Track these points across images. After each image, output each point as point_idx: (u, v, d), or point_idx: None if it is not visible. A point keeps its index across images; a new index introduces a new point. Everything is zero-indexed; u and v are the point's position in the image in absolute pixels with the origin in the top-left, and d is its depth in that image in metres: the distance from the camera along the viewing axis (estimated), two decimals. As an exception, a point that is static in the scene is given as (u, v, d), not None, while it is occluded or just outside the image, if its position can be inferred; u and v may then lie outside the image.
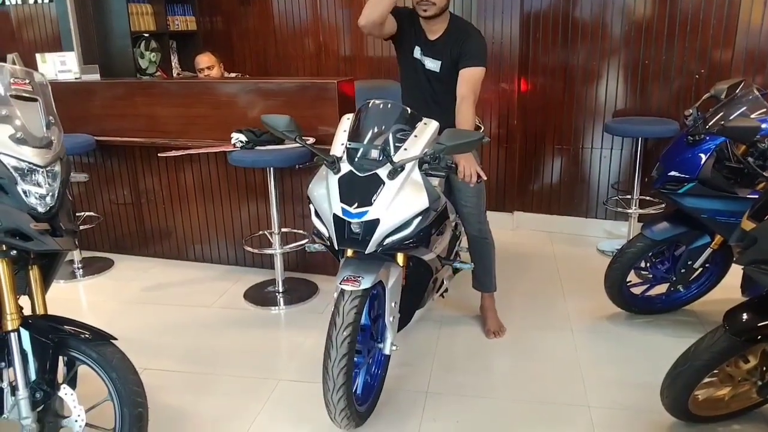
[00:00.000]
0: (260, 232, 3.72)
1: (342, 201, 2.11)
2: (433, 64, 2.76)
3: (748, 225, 1.89)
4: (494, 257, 3.03)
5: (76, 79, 4.07)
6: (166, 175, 3.98)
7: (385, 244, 2.11)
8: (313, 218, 2.25)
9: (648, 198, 4.03)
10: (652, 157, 4.04)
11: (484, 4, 4.21)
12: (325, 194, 2.19)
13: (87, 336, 1.96)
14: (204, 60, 4.43)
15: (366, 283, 2.11)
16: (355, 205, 2.09)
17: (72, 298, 3.67)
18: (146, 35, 4.68)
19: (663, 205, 3.92)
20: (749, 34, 3.69)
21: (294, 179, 3.62)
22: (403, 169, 2.14)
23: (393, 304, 2.29)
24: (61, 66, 4.05)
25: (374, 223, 2.08)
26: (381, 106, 2.37)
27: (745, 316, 1.96)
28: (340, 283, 2.12)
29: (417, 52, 2.80)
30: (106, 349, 1.97)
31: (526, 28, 4.21)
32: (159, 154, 3.56)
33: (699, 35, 3.81)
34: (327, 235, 2.18)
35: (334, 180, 2.17)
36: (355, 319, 2.10)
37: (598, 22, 4.05)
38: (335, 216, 2.12)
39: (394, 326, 2.33)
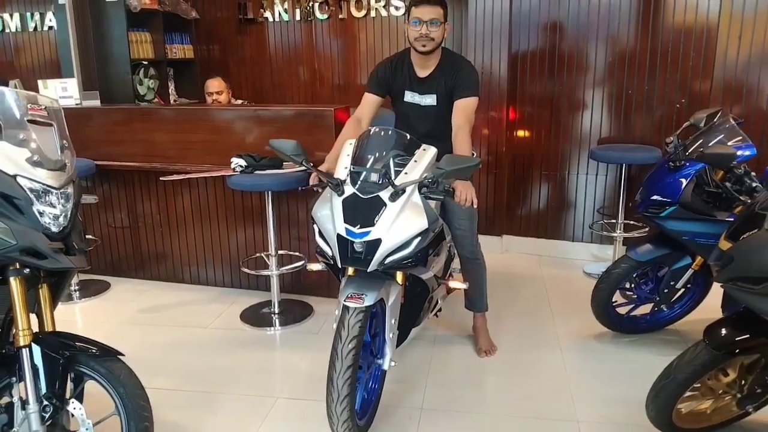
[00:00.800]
0: (257, 255, 3.80)
1: (346, 221, 2.22)
2: (430, 99, 2.89)
3: (725, 245, 2.02)
4: (486, 278, 3.14)
5: (76, 104, 4.17)
6: (163, 199, 4.06)
7: (386, 263, 2.21)
8: (317, 238, 2.35)
9: (632, 222, 4.18)
10: (635, 182, 4.20)
11: (474, 36, 4.38)
12: (329, 215, 2.29)
13: (95, 352, 2.02)
14: (214, 85, 4.52)
15: (369, 300, 2.21)
16: (358, 225, 2.19)
17: (69, 319, 3.71)
18: (145, 63, 4.80)
19: (646, 229, 4.07)
20: (726, 66, 3.89)
21: (290, 203, 3.72)
22: (403, 192, 2.25)
23: (393, 321, 2.38)
24: (62, 92, 4.14)
25: (376, 243, 2.18)
26: (382, 133, 2.49)
27: (723, 331, 2.07)
28: (345, 300, 2.21)
29: (408, 96, 2.92)
30: (114, 364, 2.03)
31: (514, 60, 4.39)
32: (161, 178, 3.65)
33: (679, 67, 4.01)
34: (330, 254, 2.27)
35: (338, 201, 2.27)
36: (359, 332, 2.18)
37: (583, 54, 4.24)
38: (339, 236, 2.22)
39: (394, 342, 2.41)
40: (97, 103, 4.23)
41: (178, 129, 3.86)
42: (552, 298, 3.82)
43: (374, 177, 2.29)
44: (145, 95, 4.81)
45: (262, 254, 3.70)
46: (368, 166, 2.34)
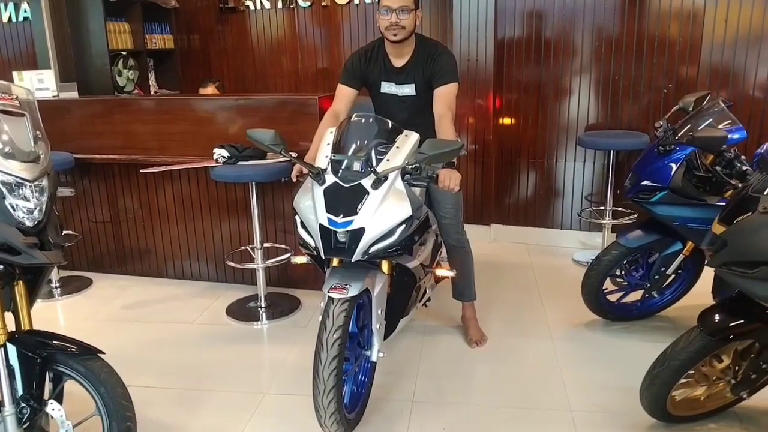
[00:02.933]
0: (242, 248, 3.73)
1: (328, 211, 2.16)
2: (408, 89, 2.82)
3: (718, 229, 1.98)
4: (473, 266, 3.10)
5: (53, 97, 4.06)
6: (145, 193, 3.97)
7: (370, 252, 2.15)
8: (299, 229, 2.29)
9: (620, 209, 4.15)
10: (623, 168, 4.18)
11: (459, 22, 4.32)
12: (311, 205, 2.23)
13: (74, 350, 1.96)
14: (207, 92, 4.46)
15: (353, 290, 2.15)
16: (341, 215, 2.14)
17: (50, 317, 3.62)
18: (124, 53, 4.70)
19: (635, 215, 4.04)
20: (713, 50, 3.86)
21: (275, 194, 3.65)
22: (386, 179, 2.19)
23: (379, 312, 2.33)
24: (38, 84, 4.04)
25: (360, 232, 2.12)
26: (363, 120, 2.43)
27: (717, 317, 2.04)
28: (328, 292, 2.16)
29: (384, 87, 2.86)
30: (94, 363, 1.97)
31: (501, 46, 4.33)
32: (141, 170, 3.56)
33: (666, 51, 3.97)
34: (313, 245, 2.21)
35: (319, 191, 2.21)
36: (344, 321, 2.13)
37: (570, 40, 4.19)
38: (321, 226, 2.16)
39: (381, 333, 2.36)
40: (74, 94, 4.13)
41: (159, 120, 3.77)
42: (541, 286, 3.79)
43: (356, 165, 2.23)
44: (124, 87, 4.70)
45: (248, 247, 3.62)
46: (349, 154, 2.28)
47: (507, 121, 4.47)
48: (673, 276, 3.05)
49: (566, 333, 3.18)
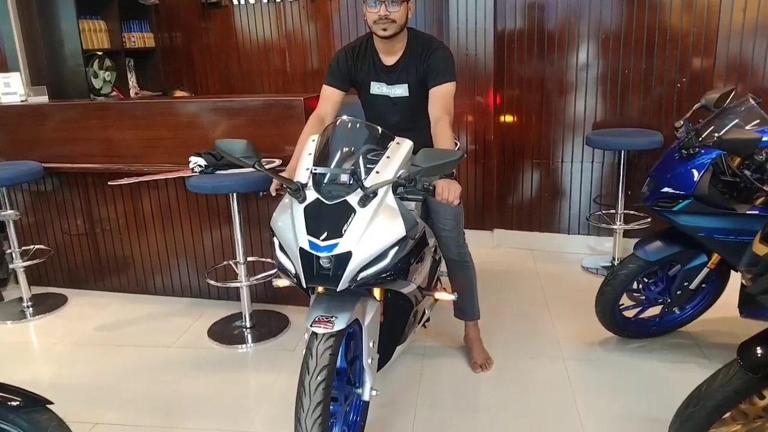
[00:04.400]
0: (225, 263, 3.45)
1: (309, 233, 1.88)
2: (400, 90, 2.55)
3: (761, 249, 1.70)
4: (476, 282, 2.82)
5: (22, 101, 3.78)
6: (122, 203, 3.69)
7: (359, 279, 1.88)
8: (278, 252, 2.01)
9: (633, 212, 3.87)
10: (635, 169, 3.90)
11: (456, 15, 4.03)
12: (289, 225, 1.95)
13: (17, 403, 1.68)
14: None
15: (340, 323, 1.88)
16: (324, 236, 1.86)
17: (21, 341, 3.36)
18: (100, 53, 4.40)
19: (648, 219, 3.76)
20: (730, 41, 3.57)
21: (260, 203, 3.37)
22: (375, 194, 1.92)
23: (371, 344, 2.06)
24: (5, 88, 3.75)
25: (346, 257, 1.85)
26: (349, 125, 2.16)
27: (760, 350, 1.76)
28: (311, 325, 1.89)
29: (375, 88, 2.58)
30: (41, 416, 1.70)
31: (501, 40, 4.05)
32: (109, 183, 3.28)
33: (679, 43, 3.68)
34: (293, 271, 1.94)
35: (299, 209, 1.94)
36: (330, 361, 1.86)
37: (575, 32, 3.90)
38: (302, 250, 1.88)
39: (374, 368, 2.09)
40: (44, 99, 3.85)
41: (134, 125, 3.49)
42: (549, 297, 3.51)
43: (343, 178, 1.96)
44: (101, 89, 4.42)
45: (231, 262, 3.35)
46: (334, 165, 2.01)
47: (509, 119, 4.18)
48: (696, 290, 2.77)
49: (579, 353, 2.90)
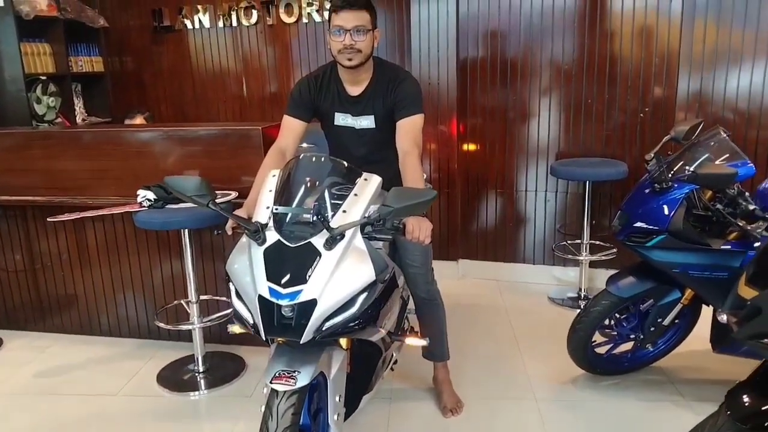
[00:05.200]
0: (176, 302, 3.23)
1: (269, 279, 1.72)
2: (366, 122, 2.43)
3: (747, 292, 1.63)
4: (445, 321, 2.69)
5: (-46, 129, 3.52)
6: (64, 237, 3.44)
7: (324, 329, 1.72)
8: (234, 300, 1.84)
9: (598, 242, 3.83)
10: (598, 198, 3.86)
11: (419, 43, 3.97)
12: (247, 270, 1.79)
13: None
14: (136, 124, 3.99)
15: (303, 379, 1.72)
16: (286, 282, 1.70)
17: (-54, 390, 3.05)
18: (43, 78, 4.16)
19: (614, 250, 3.72)
20: (691, 72, 3.59)
21: (214, 237, 3.18)
22: (342, 236, 1.77)
23: (337, 398, 1.89)
24: (-65, 114, 3.48)
25: (310, 305, 1.69)
26: (314, 159, 2.03)
27: (747, 399, 1.67)
28: (271, 381, 1.71)
29: (339, 119, 2.45)
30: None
31: (463, 68, 3.99)
32: (48, 219, 3.05)
33: (641, 73, 3.68)
34: (251, 321, 1.77)
35: (258, 252, 1.78)
36: (292, 421, 1.70)
37: (537, 61, 3.87)
38: (261, 298, 1.72)
39: (340, 424, 1.93)
40: (-21, 126, 3.59)
41: (80, 155, 3.28)
42: (518, 332, 3.41)
43: (307, 218, 1.81)
44: (44, 115, 4.16)
45: (182, 301, 3.13)
46: (296, 203, 1.86)
47: (472, 148, 4.11)
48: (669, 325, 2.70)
49: (551, 393, 2.79)
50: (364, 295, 1.77)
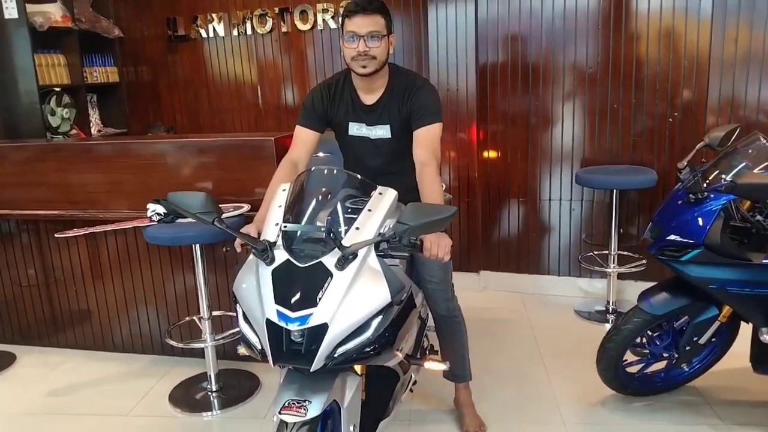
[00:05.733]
0: (188, 318, 3.14)
1: (277, 301, 1.62)
2: (382, 131, 2.31)
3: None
4: (467, 340, 2.56)
5: (-33, 142, 3.49)
6: (77, 251, 3.38)
7: (336, 356, 1.61)
8: (241, 323, 1.74)
9: (627, 252, 3.67)
10: (626, 207, 3.71)
11: (437, 48, 3.85)
12: (255, 291, 1.69)
13: None
14: None
15: (314, 409, 1.61)
16: (295, 306, 1.60)
17: (-43, 409, 3.00)
18: (58, 89, 4.12)
19: (644, 261, 3.55)
20: (723, 73, 3.42)
21: (224, 252, 3.09)
22: (355, 256, 1.66)
23: (351, 428, 1.78)
24: (-52, 128, 3.45)
25: (321, 330, 1.58)
26: (326, 173, 1.93)
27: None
28: (280, 412, 1.61)
29: (353, 129, 2.34)
30: None
31: (483, 73, 3.86)
32: (56, 235, 2.98)
33: (670, 76, 3.53)
34: (259, 346, 1.66)
35: (266, 273, 1.68)
36: None
37: (560, 65, 3.73)
38: (269, 322, 1.61)
39: (354, 455, 1.81)
40: (-8, 140, 3.55)
41: (91, 168, 3.22)
42: (544, 349, 3.26)
43: (318, 236, 1.70)
44: (58, 127, 4.12)
45: (195, 317, 3.04)
46: (306, 220, 1.76)
47: (493, 155, 3.98)
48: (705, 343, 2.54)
49: (580, 415, 2.64)
50: (379, 318, 1.65)
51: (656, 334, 2.59)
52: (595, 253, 3.76)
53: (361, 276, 1.67)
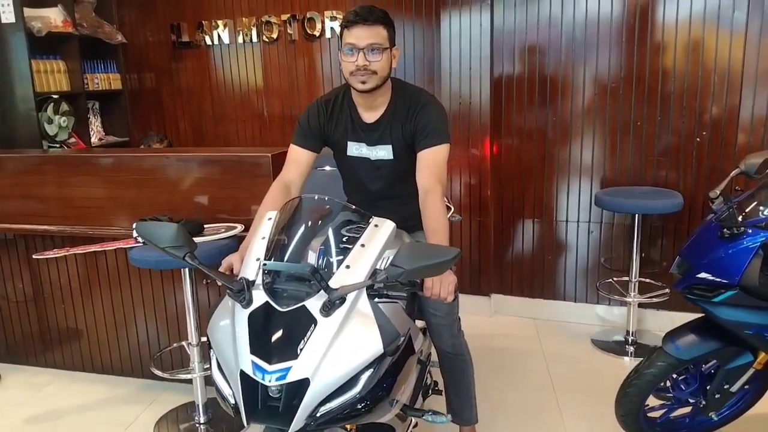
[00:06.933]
0: (175, 344, 2.96)
1: (253, 351, 1.42)
2: (383, 152, 2.12)
3: None
4: (473, 378, 2.35)
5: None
6: (65, 267, 3.22)
7: (319, 415, 1.41)
8: (214, 372, 1.54)
9: (649, 280, 3.43)
10: (648, 230, 3.47)
11: (449, 60, 3.65)
12: (229, 337, 1.49)
13: None
14: None
15: (293, 477, 1.40)
16: (273, 358, 1.40)
17: (-67, 434, 2.85)
18: (55, 97, 3.98)
19: (667, 291, 3.32)
20: (757, 88, 3.18)
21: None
22: (343, 300, 1.46)
23: (338, 493, 1.58)
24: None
25: (302, 385, 1.38)
26: (315, 202, 1.73)
27: None
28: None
29: (353, 149, 2.15)
30: None
31: (498, 86, 3.65)
32: (34, 256, 2.82)
33: (698, 92, 3.29)
34: (232, 401, 1.46)
35: (242, 316, 1.48)
36: None
37: (580, 78, 3.51)
38: (243, 374, 1.42)
39: None
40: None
41: (81, 182, 3.07)
42: (557, 382, 3.04)
43: (303, 274, 1.51)
44: (56, 135, 3.97)
45: (184, 343, 2.86)
46: (289, 255, 1.57)
47: (507, 172, 3.76)
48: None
49: (596, 463, 2.42)
50: (369, 372, 1.45)
51: (682, 377, 2.35)
52: (615, 279, 3.53)
53: (349, 322, 1.47)
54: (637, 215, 3.25)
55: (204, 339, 2.82)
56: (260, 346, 1.42)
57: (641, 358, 2.35)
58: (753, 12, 3.12)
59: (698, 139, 3.33)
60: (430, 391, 2.37)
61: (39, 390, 3.18)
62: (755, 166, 2.19)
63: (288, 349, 1.40)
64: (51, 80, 4.03)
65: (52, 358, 3.38)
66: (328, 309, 1.44)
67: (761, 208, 2.02)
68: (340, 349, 1.42)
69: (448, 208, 2.39)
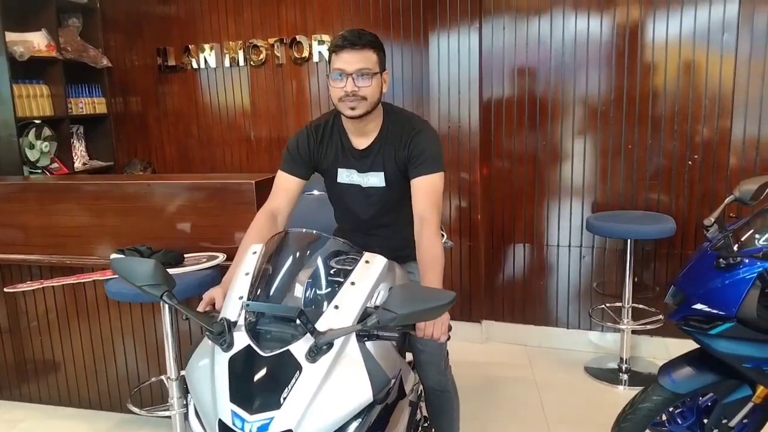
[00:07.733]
0: (154, 379, 2.86)
1: (233, 399, 1.33)
2: (375, 179, 2.05)
3: None
4: (458, 414, 2.28)
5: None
6: (42, 297, 3.12)
7: (302, 468, 1.33)
8: (191, 418, 1.46)
9: (642, 306, 3.38)
10: (640, 254, 3.42)
11: (438, 82, 3.61)
12: (208, 382, 1.41)
13: None
14: None
15: None
16: (254, 407, 1.31)
17: None
18: (38, 122, 3.90)
19: (660, 317, 3.26)
20: (747, 111, 3.16)
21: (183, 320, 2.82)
22: (331, 345, 1.39)
23: None
24: None
25: (285, 438, 1.30)
26: (303, 237, 1.66)
27: None
28: None
29: (343, 176, 2.09)
30: None
31: (488, 109, 3.62)
32: (5, 289, 2.73)
33: (690, 114, 3.27)
34: (209, 451, 1.38)
35: (222, 360, 1.40)
36: None
37: (570, 101, 3.48)
38: (221, 424, 1.33)
39: None
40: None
41: (58, 210, 3.00)
42: (550, 413, 2.96)
43: (287, 316, 1.43)
44: (37, 161, 3.89)
45: (163, 377, 2.76)
46: (272, 293, 1.50)
47: (497, 196, 3.71)
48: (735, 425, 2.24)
49: (591, 502, 2.34)
50: (358, 422, 1.37)
51: (678, 411, 2.28)
52: (608, 305, 3.47)
53: (336, 368, 1.38)
54: (629, 240, 3.20)
55: (183, 372, 2.73)
56: (241, 393, 1.34)
57: (635, 388, 2.28)
58: (742, 34, 3.10)
59: (690, 163, 3.30)
60: (420, 429, 2.29)
61: (14, 426, 3.06)
62: (750, 193, 2.14)
63: (270, 398, 1.32)
64: (33, 105, 3.96)
65: (28, 391, 3.26)
66: (314, 355, 1.36)
67: (757, 236, 1.97)
68: (326, 397, 1.34)
69: (441, 236, 2.33)
